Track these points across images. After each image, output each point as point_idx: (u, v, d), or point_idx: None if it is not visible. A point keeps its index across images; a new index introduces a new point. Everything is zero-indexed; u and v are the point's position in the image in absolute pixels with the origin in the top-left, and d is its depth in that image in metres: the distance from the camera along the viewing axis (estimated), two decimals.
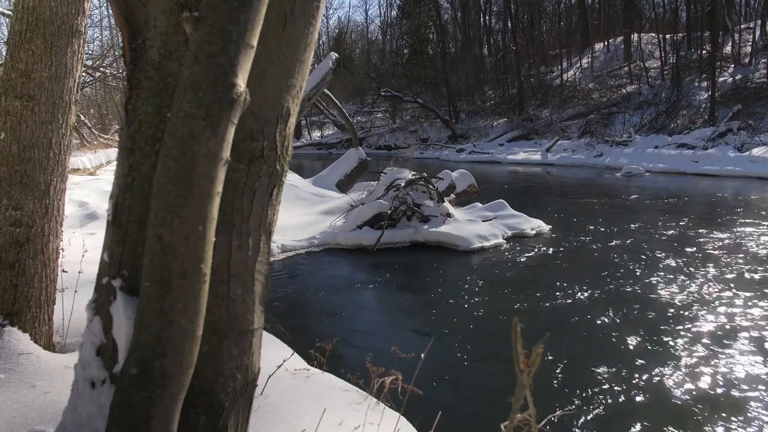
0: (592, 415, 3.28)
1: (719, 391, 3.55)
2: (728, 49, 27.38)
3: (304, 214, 9.18)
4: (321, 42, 48.67)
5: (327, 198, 10.38)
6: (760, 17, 28.86)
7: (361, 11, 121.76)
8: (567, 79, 33.22)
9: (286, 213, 8.52)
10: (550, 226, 8.79)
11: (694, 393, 3.52)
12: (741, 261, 6.60)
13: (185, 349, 1.11)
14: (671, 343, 4.30)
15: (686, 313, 4.92)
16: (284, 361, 2.68)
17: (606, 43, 35.01)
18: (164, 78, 1.28)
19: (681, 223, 9.07)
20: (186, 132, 1.06)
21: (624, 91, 28.86)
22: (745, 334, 4.44)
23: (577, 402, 3.41)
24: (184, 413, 1.19)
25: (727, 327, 4.59)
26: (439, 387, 3.63)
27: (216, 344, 1.26)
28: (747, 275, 6.01)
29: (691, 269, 6.31)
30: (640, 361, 3.99)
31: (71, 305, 3.08)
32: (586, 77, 32.77)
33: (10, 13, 3.79)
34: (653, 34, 31.77)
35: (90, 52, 17.72)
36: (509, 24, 36.68)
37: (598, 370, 3.85)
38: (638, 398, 3.48)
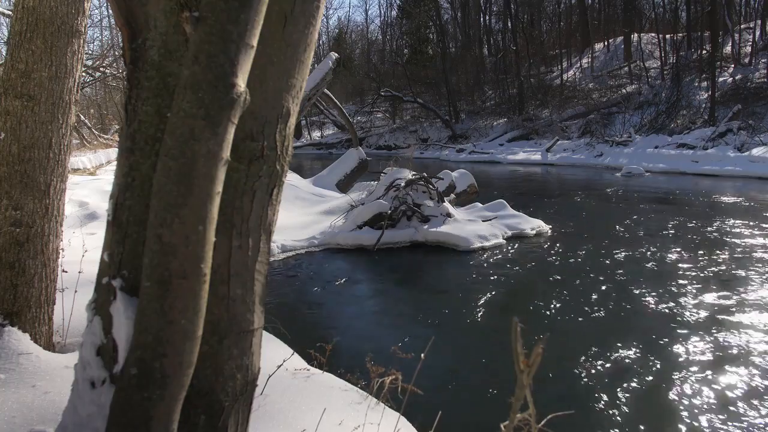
0: (592, 415, 3.28)
1: (718, 390, 3.55)
2: (728, 49, 27.37)
3: (304, 214, 9.17)
4: (321, 42, 48.66)
5: (327, 198, 10.38)
6: (760, 17, 28.83)
7: (361, 11, 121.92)
8: (567, 79, 33.21)
9: (286, 213, 8.52)
10: (550, 226, 8.79)
11: (694, 392, 3.52)
12: (741, 261, 6.60)
13: (185, 349, 1.11)
14: (671, 342, 4.30)
15: (687, 313, 4.92)
16: (284, 361, 2.68)
17: (606, 43, 35.00)
18: (164, 78, 1.28)
19: (681, 223, 9.07)
20: (186, 132, 1.06)
21: (624, 91, 28.85)
22: (745, 333, 4.44)
23: (577, 402, 3.41)
24: (184, 413, 1.19)
25: (727, 327, 4.59)
26: (439, 387, 3.63)
27: (216, 344, 1.26)
28: (748, 275, 6.00)
29: (691, 269, 6.31)
30: (640, 360, 3.99)
31: (71, 305, 3.08)
32: (586, 77, 32.77)
33: (10, 13, 3.79)
34: (653, 34, 31.76)
35: (90, 52, 17.72)
36: (509, 24, 36.65)
37: (598, 370, 3.85)
38: (638, 398, 3.48)
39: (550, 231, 8.63)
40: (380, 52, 48.31)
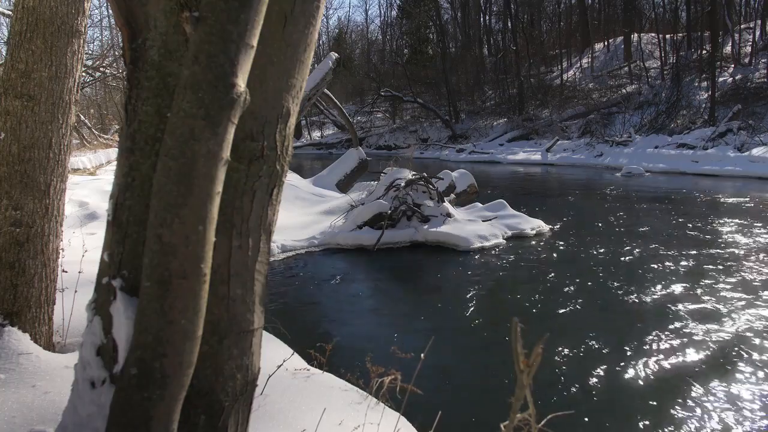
0: (592, 415, 3.28)
1: (718, 389, 3.54)
2: (728, 49, 27.38)
3: (304, 214, 9.17)
4: (321, 42, 48.65)
5: (327, 198, 10.38)
6: (760, 17, 28.84)
7: (361, 11, 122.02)
8: (567, 79, 33.21)
9: (286, 213, 8.51)
10: (550, 226, 8.79)
11: (694, 391, 3.52)
12: (742, 261, 6.60)
13: (185, 349, 1.11)
14: (671, 342, 4.30)
15: (686, 313, 4.92)
16: (284, 361, 2.68)
17: (606, 43, 35.00)
18: (164, 78, 1.28)
19: (681, 223, 9.07)
20: (186, 132, 1.06)
21: (624, 91, 28.86)
22: (746, 333, 4.44)
23: (577, 402, 3.41)
24: (184, 413, 1.19)
25: (729, 327, 4.59)
26: (439, 387, 3.63)
27: (216, 344, 1.26)
28: (749, 275, 6.00)
29: (691, 268, 6.31)
30: (640, 360, 3.99)
31: (71, 305, 3.08)
32: (586, 77, 32.77)
33: (10, 13, 3.79)
34: (653, 34, 31.76)
35: (90, 52, 17.71)
36: (509, 24, 36.65)
37: (598, 370, 3.85)
38: (638, 397, 3.48)
39: (550, 231, 8.63)
40: (380, 52, 48.32)
